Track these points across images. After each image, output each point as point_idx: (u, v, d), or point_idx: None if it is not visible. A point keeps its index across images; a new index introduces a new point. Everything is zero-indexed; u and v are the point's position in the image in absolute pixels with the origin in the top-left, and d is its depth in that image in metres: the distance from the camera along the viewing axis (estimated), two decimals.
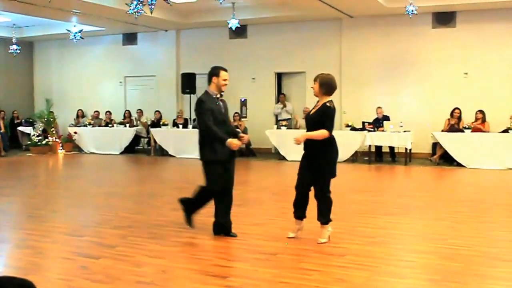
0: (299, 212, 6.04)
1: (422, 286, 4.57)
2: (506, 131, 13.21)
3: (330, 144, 5.88)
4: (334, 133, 5.93)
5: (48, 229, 6.59)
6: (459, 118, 14.02)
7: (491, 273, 4.91)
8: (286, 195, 9.14)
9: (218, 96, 6.16)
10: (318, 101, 5.99)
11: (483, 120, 13.79)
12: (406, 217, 7.43)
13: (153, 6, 7.09)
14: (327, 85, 5.87)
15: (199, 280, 4.66)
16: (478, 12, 14.59)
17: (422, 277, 4.82)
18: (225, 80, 6.09)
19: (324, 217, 5.90)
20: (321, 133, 5.73)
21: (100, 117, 18.49)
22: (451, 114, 14.11)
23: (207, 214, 7.49)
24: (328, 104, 5.84)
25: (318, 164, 5.84)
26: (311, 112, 6.04)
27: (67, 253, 5.53)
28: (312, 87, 5.99)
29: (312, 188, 5.94)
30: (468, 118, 13.97)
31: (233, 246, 5.83)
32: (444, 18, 15.08)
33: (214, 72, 6.13)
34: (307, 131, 5.98)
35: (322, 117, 5.82)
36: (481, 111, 13.84)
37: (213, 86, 6.10)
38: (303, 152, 6.02)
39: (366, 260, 5.29)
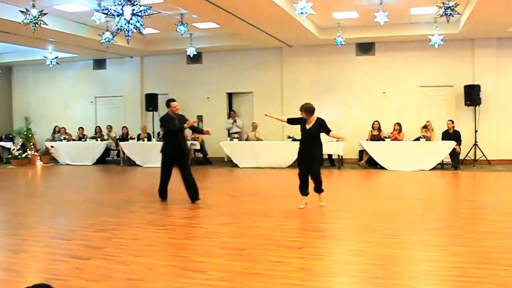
0: (305, 190, 7.67)
1: (371, 270, 4.58)
2: (417, 139, 13.64)
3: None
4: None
5: (39, 235, 6.24)
6: (379, 129, 14.36)
7: (422, 256, 5.01)
8: (244, 197, 9.13)
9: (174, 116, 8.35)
10: (307, 120, 7.50)
11: (400, 131, 14.17)
12: (348, 213, 7.49)
13: (129, 37, 6.92)
14: (306, 110, 7.49)
15: (182, 275, 4.52)
16: (392, 43, 15.05)
17: (369, 262, 4.84)
18: (175, 107, 8.34)
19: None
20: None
21: (68, 131, 17.58)
22: (372, 126, 14.44)
23: (178, 216, 7.38)
24: (320, 117, 7.59)
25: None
26: (309, 127, 7.51)
27: (60, 256, 5.23)
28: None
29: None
30: (387, 129, 14.34)
31: (206, 244, 5.69)
32: (365, 48, 15.47)
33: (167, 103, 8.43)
34: (309, 141, 7.54)
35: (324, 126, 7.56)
36: (398, 124, 14.22)
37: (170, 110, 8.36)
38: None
39: (321, 251, 5.30)
